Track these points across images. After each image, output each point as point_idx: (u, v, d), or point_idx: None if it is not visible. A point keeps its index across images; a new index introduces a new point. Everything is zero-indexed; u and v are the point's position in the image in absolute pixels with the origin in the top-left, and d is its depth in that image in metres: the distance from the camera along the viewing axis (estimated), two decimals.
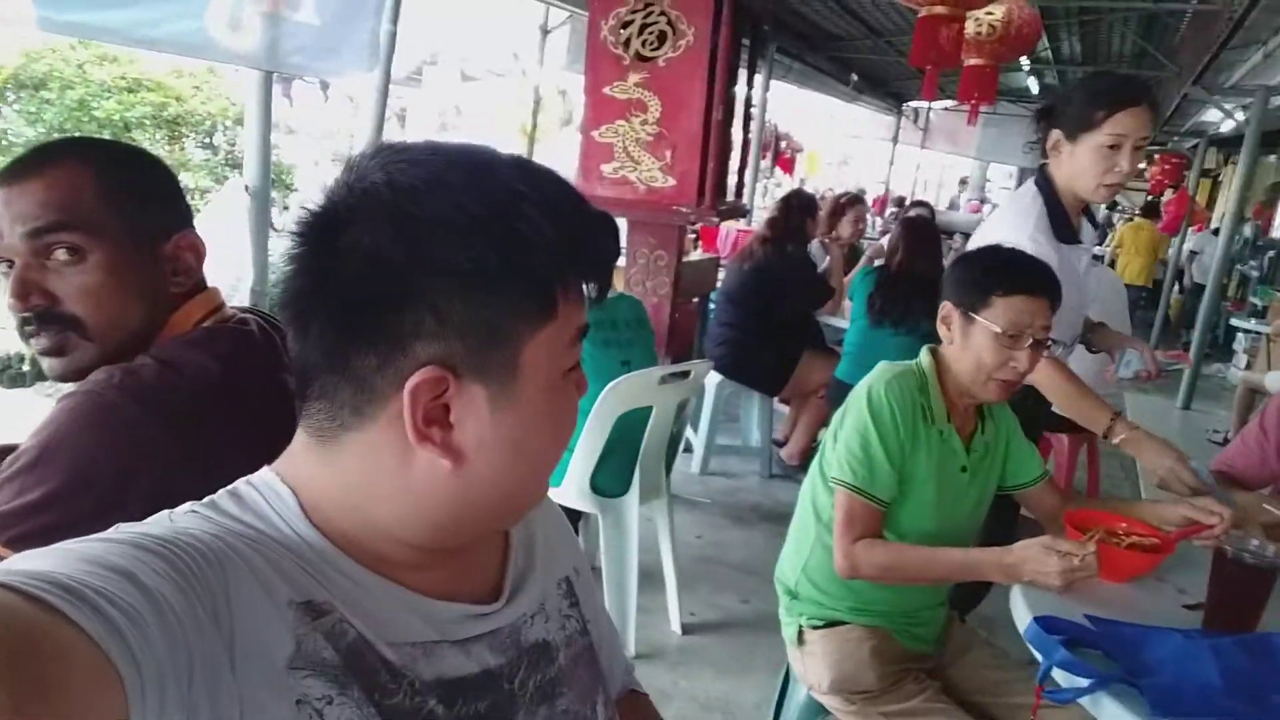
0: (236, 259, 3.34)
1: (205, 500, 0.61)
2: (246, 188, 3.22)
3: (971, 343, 1.55)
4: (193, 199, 4.97)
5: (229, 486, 0.63)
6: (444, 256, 0.56)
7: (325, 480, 0.61)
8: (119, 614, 0.44)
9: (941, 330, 1.61)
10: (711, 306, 5.16)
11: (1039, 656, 1.19)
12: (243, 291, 3.29)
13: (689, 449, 4.08)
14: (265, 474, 0.63)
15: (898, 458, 1.54)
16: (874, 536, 1.54)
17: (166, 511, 0.59)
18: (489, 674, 0.66)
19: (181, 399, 0.92)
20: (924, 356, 1.66)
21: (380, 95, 3.38)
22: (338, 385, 0.59)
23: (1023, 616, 1.30)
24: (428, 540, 0.63)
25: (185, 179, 4.75)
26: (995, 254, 1.63)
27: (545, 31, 6.81)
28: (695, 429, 4.05)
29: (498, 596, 0.70)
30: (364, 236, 0.56)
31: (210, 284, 1.07)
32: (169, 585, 0.49)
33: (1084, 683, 1.11)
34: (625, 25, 3.32)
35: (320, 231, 0.58)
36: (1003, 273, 1.56)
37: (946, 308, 1.60)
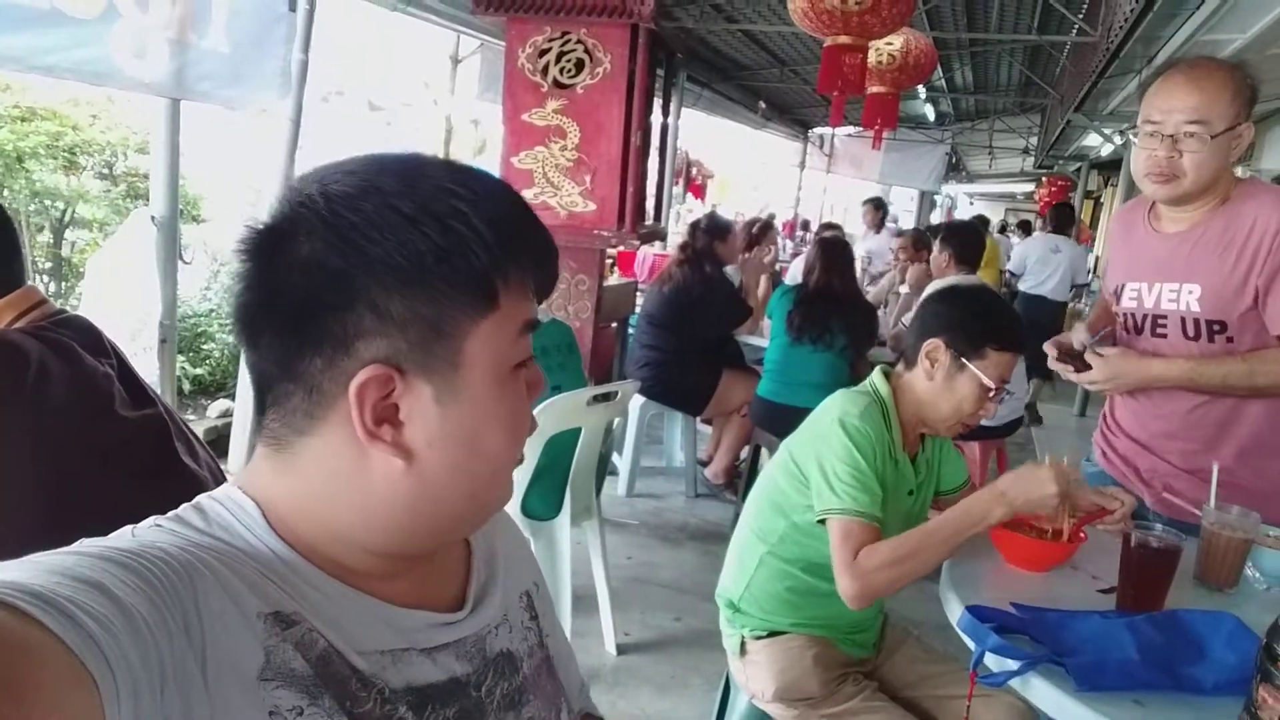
0: (143, 292, 3.22)
1: (170, 515, 0.60)
2: (153, 218, 3.12)
3: (956, 386, 1.58)
4: (90, 232, 4.79)
5: (192, 501, 0.62)
6: (379, 255, 0.57)
7: (287, 490, 0.62)
8: (91, 621, 0.44)
9: (924, 364, 1.60)
10: (631, 330, 5.22)
11: (971, 644, 1.25)
12: (151, 325, 3.17)
13: (614, 472, 4.09)
14: (228, 488, 0.63)
15: (880, 482, 1.53)
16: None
17: (129, 527, 0.58)
18: (456, 681, 0.66)
19: None
20: (881, 385, 1.66)
21: (293, 124, 3.33)
22: (290, 392, 0.60)
23: (954, 608, 1.36)
24: (391, 546, 0.64)
25: (83, 211, 4.55)
26: (992, 302, 1.65)
27: (456, 61, 6.81)
28: (620, 452, 4.07)
29: (462, 607, 0.71)
30: (303, 246, 0.58)
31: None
32: (139, 596, 0.49)
33: (1014, 665, 1.17)
34: (543, 53, 3.37)
35: (262, 247, 0.60)
36: (999, 326, 1.59)
37: (935, 345, 1.59)
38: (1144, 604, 1.35)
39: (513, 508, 2.44)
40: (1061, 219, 7.16)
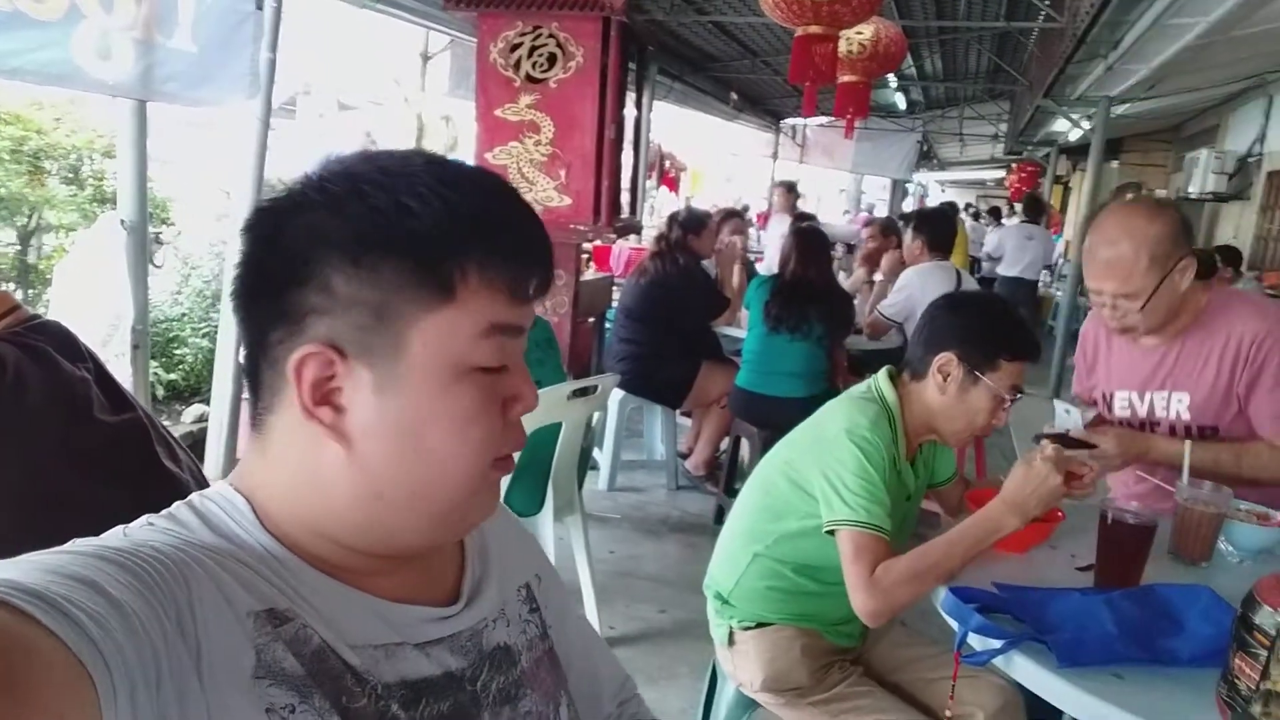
0: (114, 298, 3.18)
1: (164, 513, 0.61)
2: (123, 222, 3.08)
3: (970, 399, 1.56)
4: (58, 237, 4.70)
5: (185, 499, 0.62)
6: (333, 236, 0.58)
7: (266, 478, 0.63)
8: (88, 619, 0.44)
9: (935, 378, 1.58)
10: (608, 325, 5.22)
11: (955, 625, 1.27)
12: (123, 330, 3.13)
13: (595, 466, 4.10)
14: (221, 485, 0.64)
15: (890, 494, 1.52)
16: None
17: (121, 526, 0.58)
18: (451, 676, 0.66)
19: None
20: (888, 391, 1.63)
21: (262, 124, 3.30)
22: (260, 367, 0.62)
23: (938, 591, 1.38)
24: (358, 543, 0.63)
25: (50, 217, 4.48)
26: (1003, 313, 1.64)
27: (426, 58, 6.77)
28: (600, 446, 4.07)
29: (455, 601, 0.71)
30: (279, 225, 0.60)
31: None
32: (133, 594, 0.49)
33: (997, 644, 1.19)
34: (515, 48, 3.35)
35: (250, 226, 0.62)
36: (1012, 337, 1.58)
37: (948, 359, 1.56)
38: (1122, 580, 1.38)
39: None
40: (1034, 209, 8.24)
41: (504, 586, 0.77)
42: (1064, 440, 1.63)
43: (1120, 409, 1.84)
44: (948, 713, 1.40)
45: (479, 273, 0.60)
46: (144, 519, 0.59)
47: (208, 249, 5.05)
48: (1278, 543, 1.57)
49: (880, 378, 1.66)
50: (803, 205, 10.99)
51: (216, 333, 3.66)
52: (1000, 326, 1.60)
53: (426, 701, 0.63)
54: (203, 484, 1.00)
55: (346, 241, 0.58)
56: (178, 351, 4.65)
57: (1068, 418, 1.83)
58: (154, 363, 4.26)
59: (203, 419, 4.10)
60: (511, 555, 0.81)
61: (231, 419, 3.38)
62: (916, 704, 1.63)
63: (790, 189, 7.86)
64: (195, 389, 4.60)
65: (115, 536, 0.56)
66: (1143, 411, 1.81)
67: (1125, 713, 1.06)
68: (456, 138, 9.60)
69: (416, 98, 7.14)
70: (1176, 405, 1.75)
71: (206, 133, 5.66)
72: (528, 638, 0.76)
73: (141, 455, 0.90)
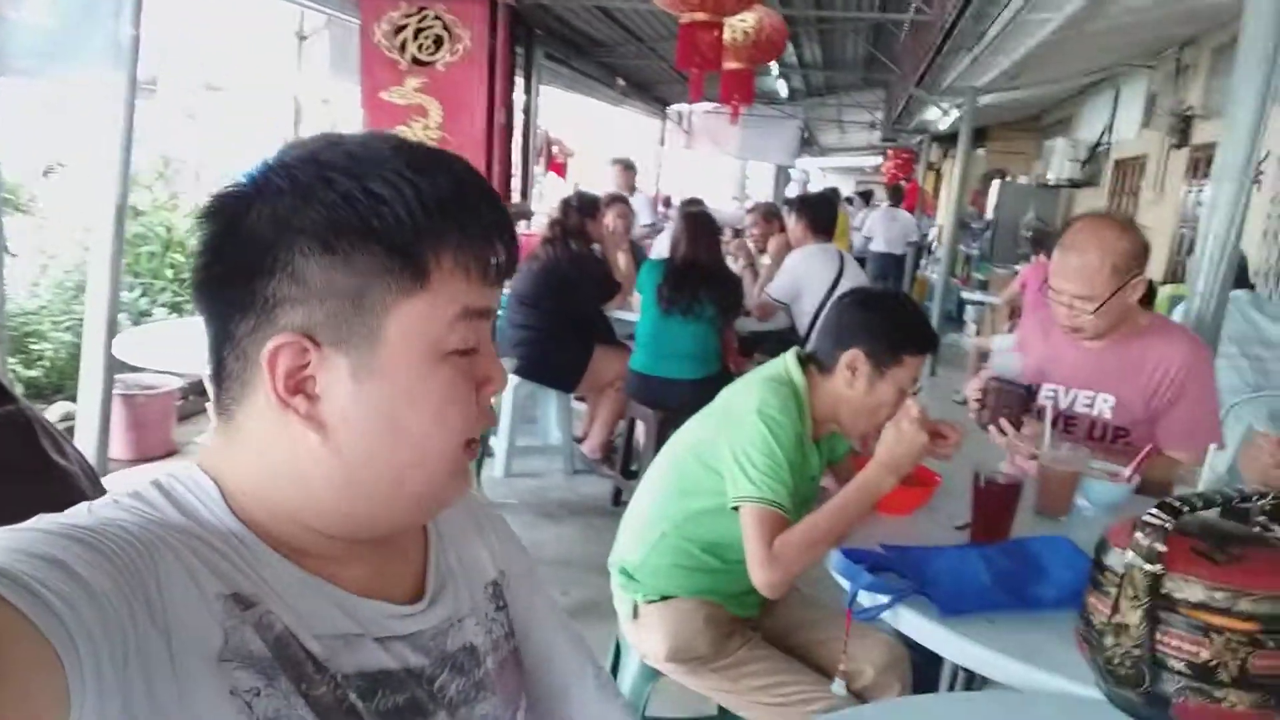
0: None
1: (130, 491, 0.60)
2: None
3: (877, 393, 1.62)
4: None
5: (152, 478, 0.61)
6: (302, 224, 0.58)
7: (236, 465, 0.62)
8: (55, 598, 0.44)
9: (844, 374, 1.63)
10: (500, 311, 5.17)
11: (846, 584, 1.35)
12: None
13: (491, 454, 4.08)
14: (189, 466, 0.63)
15: (791, 471, 1.57)
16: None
17: (85, 504, 0.57)
18: (409, 671, 0.66)
19: None
20: (797, 375, 1.67)
21: (127, 105, 3.12)
22: (227, 358, 0.61)
23: (829, 554, 1.46)
24: (332, 528, 0.64)
25: None
26: (906, 309, 1.71)
27: (302, 38, 6.48)
28: (495, 433, 4.06)
29: (419, 598, 0.71)
30: (241, 213, 0.59)
31: None
32: (100, 574, 0.49)
33: (885, 599, 1.28)
34: (399, 29, 3.28)
35: (208, 214, 0.61)
36: (915, 333, 1.65)
37: (855, 356, 1.61)
38: (993, 535, 1.49)
39: None
40: (895, 196, 10.45)
41: (472, 584, 0.77)
42: (1010, 389, 1.88)
43: (1044, 398, 2.00)
44: (841, 667, 1.48)
45: (452, 258, 0.61)
46: (109, 497, 0.59)
47: (68, 237, 4.74)
48: (1127, 497, 1.72)
49: (789, 360, 1.70)
50: (689, 192, 11.13)
51: (81, 326, 3.45)
52: (904, 323, 1.66)
53: (383, 693, 0.64)
54: (93, 477, 0.96)
55: (318, 229, 0.58)
56: (35, 346, 4.35)
57: (1009, 360, 2.02)
58: (11, 359, 3.98)
59: (69, 417, 3.86)
60: (476, 551, 0.80)
61: (102, 417, 3.20)
62: (812, 664, 1.71)
63: (628, 167, 7.33)
64: (58, 386, 4.32)
65: (80, 514, 0.55)
66: (1063, 404, 1.99)
67: (998, 654, 1.16)
68: (336, 122, 9.27)
69: (293, 79, 6.83)
70: (1102, 404, 1.95)
71: (60, 117, 5.29)
72: (493, 638, 0.76)
73: (28, 449, 0.86)
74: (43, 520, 0.52)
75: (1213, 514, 1.05)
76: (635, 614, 1.75)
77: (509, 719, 0.75)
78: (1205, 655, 0.92)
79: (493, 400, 0.68)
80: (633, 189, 7.18)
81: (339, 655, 0.62)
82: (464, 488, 0.69)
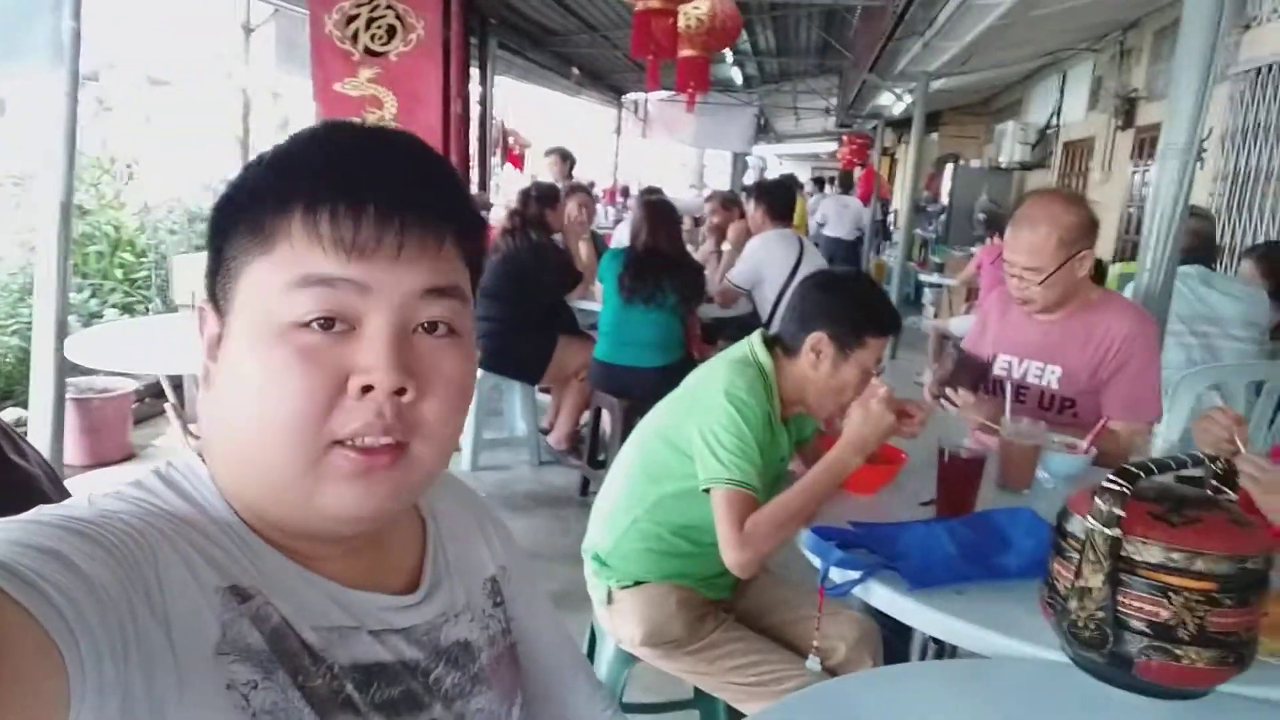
0: None
1: (132, 481, 0.59)
2: None
3: (841, 375, 1.64)
4: None
5: (154, 467, 0.61)
6: (240, 196, 0.61)
7: (210, 452, 0.62)
8: (54, 591, 0.43)
9: (809, 356, 1.65)
10: None
11: (817, 561, 1.37)
12: None
13: (457, 448, 4.05)
14: (189, 455, 0.63)
15: (760, 452, 1.58)
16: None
17: (85, 495, 0.57)
18: (404, 664, 0.66)
19: None
20: (763, 356, 1.68)
21: (69, 100, 3.03)
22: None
23: (800, 534, 1.48)
24: (282, 521, 0.62)
25: None
26: (868, 291, 1.72)
27: (248, 30, 6.35)
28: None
29: (414, 590, 0.70)
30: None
31: None
32: (100, 566, 0.48)
33: (855, 575, 1.30)
34: (351, 20, 3.23)
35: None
36: (877, 315, 1.66)
37: (820, 339, 1.63)
38: (958, 509, 1.53)
39: None
40: (846, 183, 10.97)
41: (469, 580, 0.76)
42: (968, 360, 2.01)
43: (999, 369, 2.10)
44: (815, 643, 1.50)
45: (301, 221, 0.57)
46: (110, 489, 0.58)
47: (12, 238, 4.61)
48: (1084, 468, 1.77)
49: (755, 341, 1.72)
50: (647, 181, 11.12)
51: (28, 330, 3.36)
52: (866, 305, 1.68)
53: (378, 685, 0.63)
54: (54, 478, 0.94)
55: (221, 203, 0.61)
56: None
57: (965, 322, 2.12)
58: None
59: (21, 423, 3.76)
60: (473, 548, 0.80)
61: (55, 422, 3.12)
62: (785, 643, 1.73)
63: (564, 157, 6.81)
64: (7, 392, 4.20)
65: (80, 506, 0.55)
66: (1017, 374, 2.07)
67: (967, 623, 1.19)
68: (287, 116, 9.10)
69: (239, 73, 6.69)
70: (1050, 376, 2.03)
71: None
72: (489, 634, 0.76)
73: None
74: (42, 512, 0.52)
75: (1168, 479, 1.08)
76: (609, 600, 1.75)
77: (505, 714, 0.75)
78: (1165, 615, 0.95)
79: (381, 399, 0.57)
80: (569, 179, 6.73)
81: (334, 647, 0.62)
82: (354, 500, 0.58)
